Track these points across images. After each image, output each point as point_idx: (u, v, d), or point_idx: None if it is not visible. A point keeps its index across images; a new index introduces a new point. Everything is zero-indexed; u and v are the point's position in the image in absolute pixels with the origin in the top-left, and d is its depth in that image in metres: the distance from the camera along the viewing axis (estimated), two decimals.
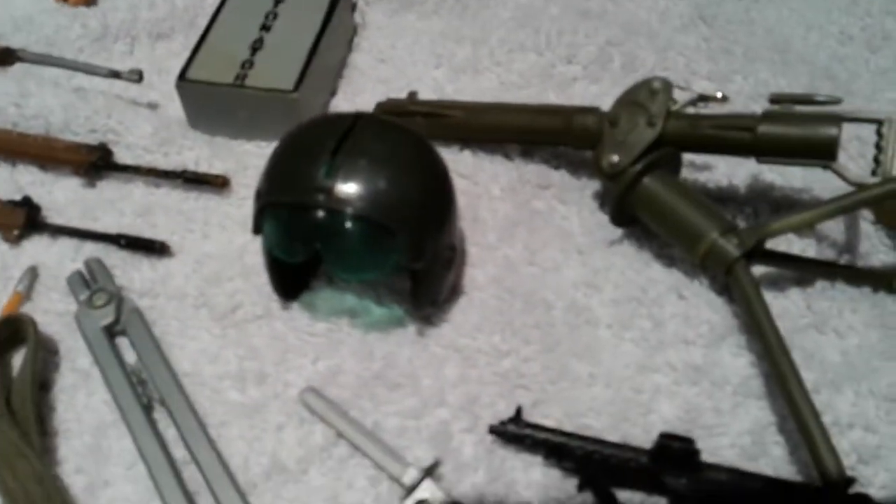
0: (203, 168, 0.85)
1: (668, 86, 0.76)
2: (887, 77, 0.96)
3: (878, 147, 0.71)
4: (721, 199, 0.83)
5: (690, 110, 0.78)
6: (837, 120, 0.70)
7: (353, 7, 0.99)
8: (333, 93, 0.95)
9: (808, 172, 0.80)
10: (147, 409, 0.68)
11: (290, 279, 0.75)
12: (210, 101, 0.86)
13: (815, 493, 0.61)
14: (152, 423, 0.67)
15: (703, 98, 0.79)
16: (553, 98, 0.94)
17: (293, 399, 0.70)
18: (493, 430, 0.66)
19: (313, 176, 0.64)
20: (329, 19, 0.91)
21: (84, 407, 0.70)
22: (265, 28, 0.90)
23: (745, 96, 0.91)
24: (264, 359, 0.73)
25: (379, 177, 0.65)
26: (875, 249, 0.79)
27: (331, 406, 0.68)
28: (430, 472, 0.64)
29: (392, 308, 0.75)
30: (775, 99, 0.74)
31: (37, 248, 0.80)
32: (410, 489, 0.63)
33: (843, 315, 0.73)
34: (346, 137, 0.66)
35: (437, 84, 0.96)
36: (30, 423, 0.65)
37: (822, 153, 0.71)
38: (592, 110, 0.80)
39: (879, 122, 0.71)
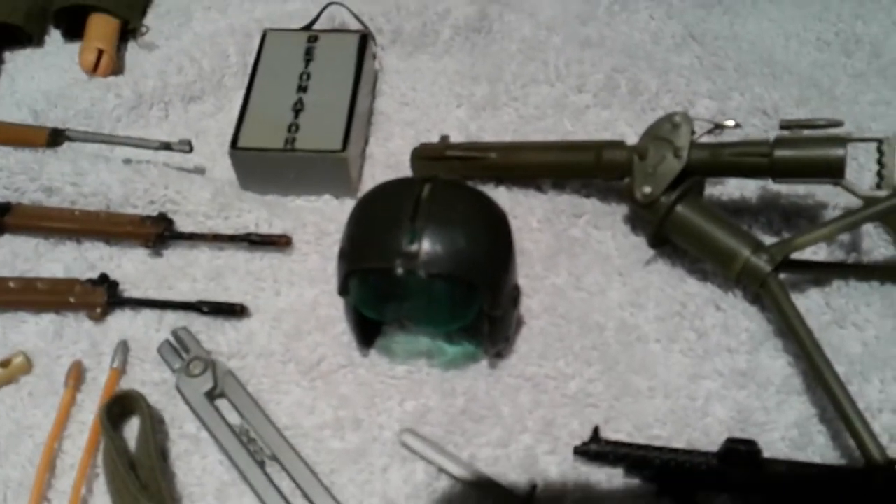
0: (263, 228, 0.90)
1: (688, 119, 0.84)
2: (864, 80, 1.06)
3: (881, 163, 0.80)
4: (736, 211, 0.92)
5: (705, 139, 0.87)
6: (843, 141, 0.79)
7: (374, 55, 1.05)
8: (366, 140, 1.01)
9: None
10: (261, 465, 0.74)
11: (368, 328, 0.82)
12: (262, 166, 0.91)
13: (863, 475, 0.71)
14: (269, 478, 0.74)
15: (719, 126, 0.87)
16: (569, 126, 1.02)
17: (390, 440, 0.77)
18: (578, 451, 0.75)
19: (398, 241, 0.71)
20: (360, 71, 0.97)
21: (202, 470, 0.76)
22: (302, 89, 0.95)
23: (745, 111, 1.00)
24: (355, 405, 0.79)
25: (457, 236, 0.72)
26: (875, 246, 0.89)
27: (430, 444, 0.75)
28: (532, 493, 0.72)
29: (464, 345, 0.82)
30: (785, 125, 0.83)
31: (120, 323, 0.85)
32: None
33: (859, 310, 0.83)
34: (420, 202, 0.73)
35: (461, 123, 1.02)
36: (163, 493, 0.70)
37: (832, 172, 0.80)
38: (619, 144, 0.88)
39: (880, 141, 0.81)
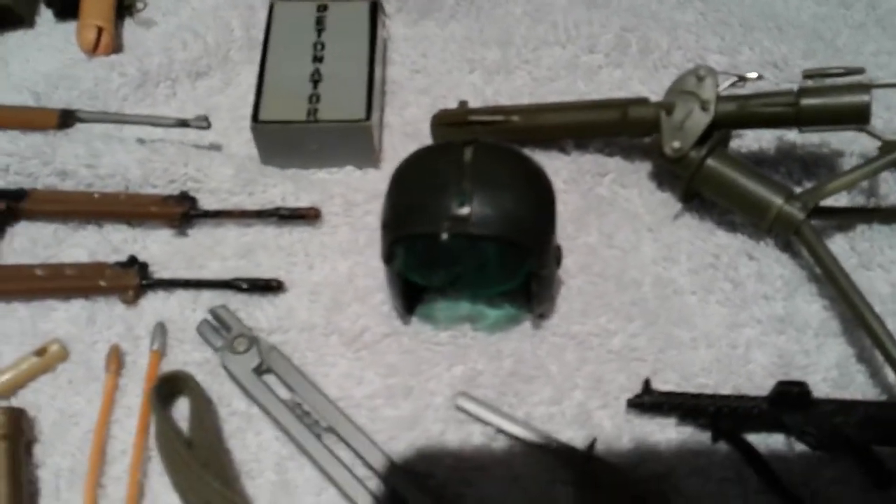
0: (290, 202, 0.88)
1: (713, 72, 0.85)
2: (864, 31, 1.08)
3: None
4: (756, 163, 0.93)
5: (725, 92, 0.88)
6: (867, 87, 0.81)
7: (383, 23, 1.03)
8: (382, 110, 1.00)
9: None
10: (317, 438, 0.74)
11: (409, 298, 0.81)
12: (285, 139, 0.89)
13: None
14: (329, 449, 0.73)
15: (742, 78, 0.88)
16: (582, 87, 1.02)
17: (443, 406, 0.77)
18: (632, 403, 0.76)
19: (447, 206, 0.70)
20: (374, 40, 0.95)
21: (258, 446, 0.75)
22: (318, 59, 0.93)
23: (755, 65, 1.01)
24: (404, 373, 0.79)
25: (505, 198, 0.72)
26: (892, 190, 0.91)
27: (486, 406, 0.76)
28: (591, 447, 0.73)
29: (505, 308, 0.82)
30: (808, 74, 0.84)
31: (153, 305, 0.83)
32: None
33: (884, 251, 0.86)
34: (464, 165, 0.73)
35: (475, 88, 1.02)
36: (225, 470, 0.69)
37: (858, 118, 0.81)
38: (644, 101, 0.89)
39: None
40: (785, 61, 1.00)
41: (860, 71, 0.83)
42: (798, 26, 1.07)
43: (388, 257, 0.75)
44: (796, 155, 0.94)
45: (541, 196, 0.75)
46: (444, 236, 0.71)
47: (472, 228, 0.70)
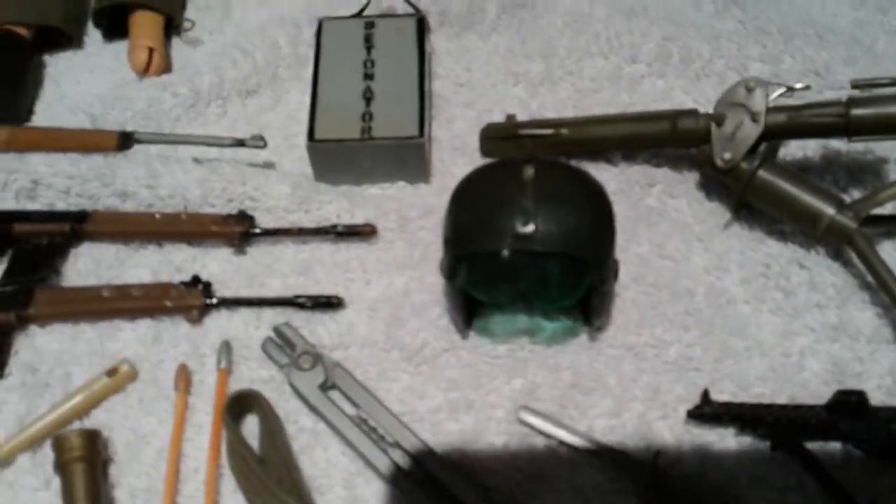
0: (345, 219, 0.90)
1: (762, 84, 0.86)
2: None
3: None
4: (802, 171, 0.94)
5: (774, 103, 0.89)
6: None
7: (428, 37, 1.04)
8: (430, 123, 1.01)
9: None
10: (385, 453, 0.76)
11: (468, 310, 0.83)
12: (340, 157, 0.91)
13: None
14: (397, 464, 0.75)
15: (791, 89, 0.89)
16: (626, 98, 1.03)
17: (505, 419, 0.79)
18: (692, 415, 0.77)
19: (511, 224, 0.72)
20: (423, 55, 0.97)
21: (326, 462, 0.76)
22: (368, 77, 0.95)
23: (797, 73, 1.02)
24: (464, 387, 0.81)
25: (567, 215, 0.73)
26: None
27: (548, 418, 0.77)
28: (655, 459, 0.74)
29: (562, 321, 0.84)
30: (856, 84, 0.85)
31: (217, 323, 0.85)
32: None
33: None
34: (525, 183, 0.74)
35: (521, 101, 1.03)
36: (299, 487, 0.71)
37: None
38: (694, 112, 0.90)
39: None
40: (827, 69, 1.02)
41: None
42: (837, 32, 1.08)
43: (451, 274, 0.77)
44: (842, 162, 0.95)
45: (601, 212, 0.77)
46: (506, 253, 0.73)
47: (536, 245, 0.72)
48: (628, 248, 0.90)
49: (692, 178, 0.95)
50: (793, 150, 0.97)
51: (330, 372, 0.80)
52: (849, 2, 1.13)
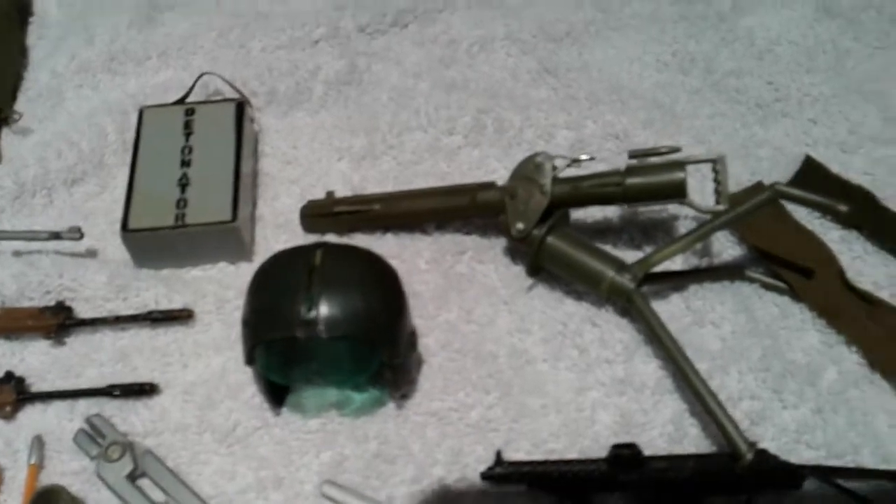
0: (163, 304, 0.93)
1: (548, 157, 0.93)
2: (701, 95, 1.17)
3: (717, 181, 0.91)
4: (600, 231, 1.02)
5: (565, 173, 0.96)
6: (682, 165, 0.90)
7: (252, 119, 1.09)
8: (254, 203, 1.05)
9: None
10: None
11: (278, 388, 0.87)
12: (155, 244, 0.94)
13: (729, 459, 0.81)
14: None
15: (576, 160, 0.96)
16: (444, 167, 1.09)
17: (312, 494, 0.82)
18: (484, 476, 0.82)
19: (297, 310, 0.76)
20: (241, 139, 1.01)
21: None
22: (185, 163, 0.99)
23: (599, 138, 1.10)
24: (275, 464, 0.84)
25: (352, 298, 0.78)
26: (724, 248, 1.00)
27: (349, 491, 0.81)
28: None
29: (371, 392, 0.88)
30: (633, 155, 0.93)
31: (31, 418, 0.87)
32: None
33: (714, 308, 0.94)
34: (313, 269, 0.79)
35: (344, 176, 1.08)
36: None
37: (676, 193, 0.90)
38: (491, 185, 0.96)
39: (714, 161, 0.92)
40: (625, 132, 1.10)
41: (677, 149, 0.92)
42: (639, 96, 1.17)
43: (249, 359, 0.81)
44: (637, 222, 1.03)
45: (387, 292, 0.82)
46: (299, 337, 0.77)
47: (321, 330, 0.76)
48: (438, 316, 0.95)
49: (500, 243, 1.01)
50: (593, 211, 1.04)
51: (139, 460, 0.82)
52: (654, 65, 1.22)
